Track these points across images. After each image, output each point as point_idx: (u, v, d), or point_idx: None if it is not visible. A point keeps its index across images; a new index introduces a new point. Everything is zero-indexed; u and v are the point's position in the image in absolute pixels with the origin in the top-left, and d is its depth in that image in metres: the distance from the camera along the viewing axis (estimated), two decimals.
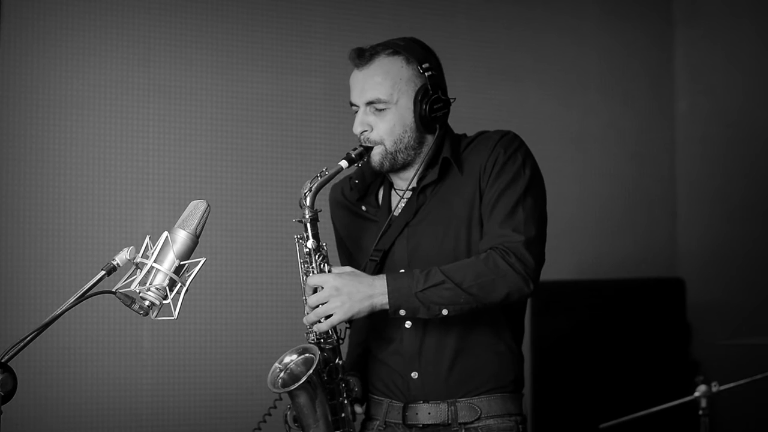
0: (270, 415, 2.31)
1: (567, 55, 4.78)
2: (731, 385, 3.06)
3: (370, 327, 2.36)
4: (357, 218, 2.42)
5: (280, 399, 2.24)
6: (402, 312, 2.15)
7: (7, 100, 3.67)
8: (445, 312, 2.15)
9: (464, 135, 2.41)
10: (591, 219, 4.74)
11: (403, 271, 2.25)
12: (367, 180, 2.43)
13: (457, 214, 2.27)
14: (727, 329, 4.50)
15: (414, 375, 2.29)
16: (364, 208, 2.41)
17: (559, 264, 4.42)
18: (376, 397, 2.38)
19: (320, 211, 2.24)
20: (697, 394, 3.02)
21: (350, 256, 2.46)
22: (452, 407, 2.27)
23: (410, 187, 2.34)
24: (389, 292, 2.13)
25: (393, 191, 2.40)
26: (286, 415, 2.23)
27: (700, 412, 3.03)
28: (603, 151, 4.82)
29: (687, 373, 4.26)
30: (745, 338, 4.32)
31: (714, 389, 3.01)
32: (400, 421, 2.30)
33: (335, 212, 2.50)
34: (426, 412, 2.28)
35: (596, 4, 4.87)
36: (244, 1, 4.07)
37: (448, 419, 2.26)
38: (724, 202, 4.73)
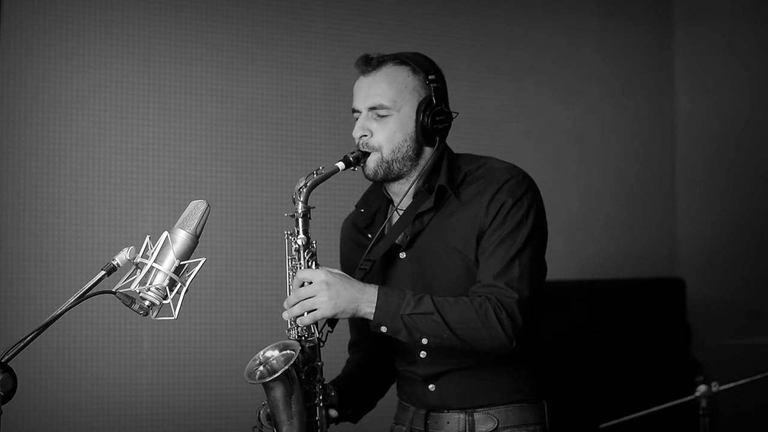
0: None
1: (567, 54, 4.78)
2: (731, 385, 3.06)
3: (394, 344, 2.31)
4: (360, 247, 2.39)
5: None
6: (383, 329, 2.13)
7: (7, 100, 3.67)
8: (424, 341, 2.14)
9: (468, 155, 2.36)
10: (591, 219, 4.74)
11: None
12: (372, 208, 2.40)
13: (455, 248, 2.24)
14: (727, 329, 4.49)
15: (431, 387, 2.30)
16: (369, 236, 2.38)
17: (559, 264, 4.42)
18: (404, 402, 2.40)
19: (313, 207, 2.22)
20: (697, 394, 3.03)
21: None
22: (470, 417, 2.27)
23: (404, 204, 2.31)
24: (377, 306, 2.11)
25: (390, 207, 2.38)
26: (259, 412, 2.19)
27: (700, 412, 3.04)
28: (603, 150, 4.82)
29: (687, 373, 4.26)
30: (745, 338, 4.32)
31: (714, 389, 3.01)
32: (423, 429, 2.31)
33: (344, 242, 2.50)
34: (445, 422, 2.29)
35: (597, 3, 4.87)
36: (244, 1, 4.06)
37: (465, 429, 2.27)
38: (725, 202, 4.73)
